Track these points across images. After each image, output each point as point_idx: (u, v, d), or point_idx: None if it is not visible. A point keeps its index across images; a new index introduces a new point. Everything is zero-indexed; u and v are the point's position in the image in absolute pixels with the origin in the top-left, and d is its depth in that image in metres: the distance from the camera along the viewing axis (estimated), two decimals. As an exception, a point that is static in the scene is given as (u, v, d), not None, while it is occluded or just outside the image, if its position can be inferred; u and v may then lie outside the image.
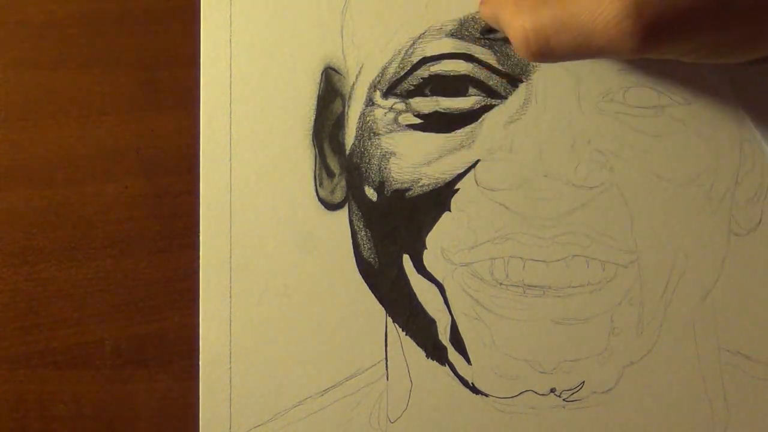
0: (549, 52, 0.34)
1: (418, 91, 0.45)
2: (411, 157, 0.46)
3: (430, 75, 0.45)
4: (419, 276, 0.46)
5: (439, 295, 0.46)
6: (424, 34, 0.46)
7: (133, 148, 0.48)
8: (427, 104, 0.45)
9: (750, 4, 0.32)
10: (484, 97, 0.45)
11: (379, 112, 0.46)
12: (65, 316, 0.48)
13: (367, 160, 0.46)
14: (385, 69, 0.46)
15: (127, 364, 0.47)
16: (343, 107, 0.46)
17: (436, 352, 0.46)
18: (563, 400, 0.45)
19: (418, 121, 0.46)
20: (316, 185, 0.46)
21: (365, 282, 0.46)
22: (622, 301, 0.45)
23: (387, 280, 0.46)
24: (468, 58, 0.45)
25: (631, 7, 0.31)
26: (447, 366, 0.46)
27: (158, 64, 0.48)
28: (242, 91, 0.47)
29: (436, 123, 0.45)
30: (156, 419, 0.47)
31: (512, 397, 0.45)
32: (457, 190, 0.45)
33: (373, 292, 0.46)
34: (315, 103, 0.47)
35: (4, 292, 0.48)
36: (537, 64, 0.45)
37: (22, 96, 0.48)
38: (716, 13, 0.32)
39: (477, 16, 0.45)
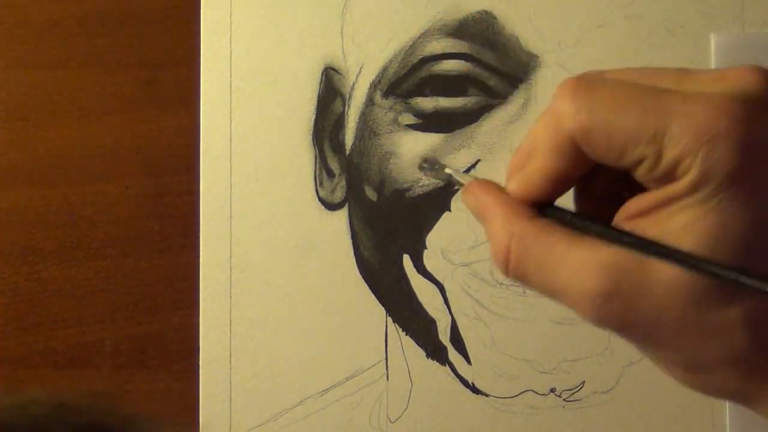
0: (521, 281, 0.33)
1: (418, 91, 0.45)
2: (411, 157, 0.46)
3: (430, 75, 0.45)
4: (419, 276, 0.46)
5: (439, 295, 0.46)
6: (424, 34, 0.46)
7: (134, 147, 0.48)
8: (427, 104, 0.45)
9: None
10: (484, 97, 0.45)
11: (379, 112, 0.46)
12: (65, 316, 0.48)
13: (367, 160, 0.46)
14: (385, 69, 0.46)
15: (127, 364, 0.47)
16: (343, 107, 0.46)
17: (436, 352, 0.46)
18: (563, 400, 0.45)
19: (418, 121, 0.45)
20: (316, 185, 0.46)
21: (365, 282, 0.46)
22: (622, 301, 0.45)
23: (387, 280, 0.46)
24: (468, 58, 0.45)
25: (603, 307, 0.29)
26: (447, 366, 0.46)
27: (158, 64, 0.48)
28: (242, 91, 0.47)
29: (436, 123, 0.45)
30: (156, 419, 0.47)
31: (512, 397, 0.45)
32: (458, 190, 0.45)
33: (373, 292, 0.46)
34: (315, 103, 0.47)
35: (4, 292, 0.48)
36: (537, 64, 0.45)
37: (22, 96, 0.48)
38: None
39: (477, 16, 0.45)
